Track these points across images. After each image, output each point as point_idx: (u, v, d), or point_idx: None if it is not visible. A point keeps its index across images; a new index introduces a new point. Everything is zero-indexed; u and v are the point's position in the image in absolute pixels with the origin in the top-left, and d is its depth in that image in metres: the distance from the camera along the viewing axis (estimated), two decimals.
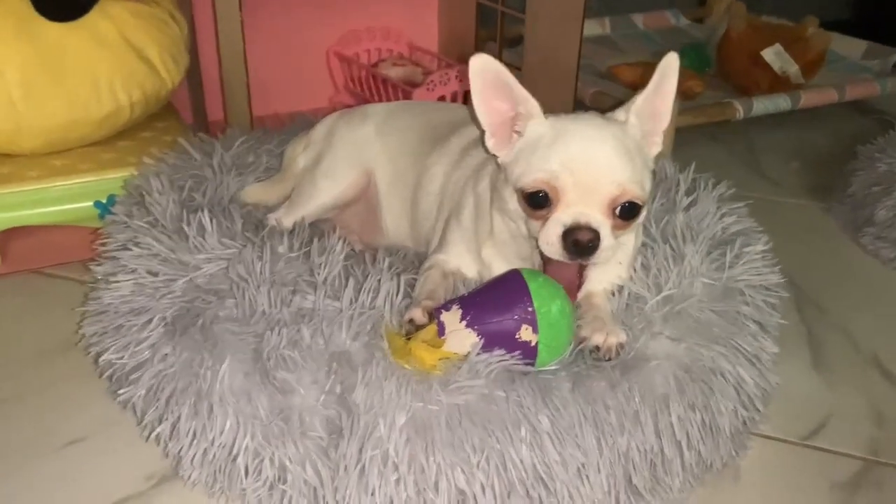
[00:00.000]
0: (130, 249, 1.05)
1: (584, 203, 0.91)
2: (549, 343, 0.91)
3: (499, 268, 1.04)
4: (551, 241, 0.92)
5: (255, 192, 1.30)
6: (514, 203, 0.97)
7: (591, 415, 0.90)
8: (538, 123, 0.96)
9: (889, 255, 1.53)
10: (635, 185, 0.92)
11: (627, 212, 0.93)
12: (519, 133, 0.97)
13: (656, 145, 1.01)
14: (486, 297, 0.93)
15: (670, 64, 0.97)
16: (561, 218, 0.91)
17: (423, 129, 1.28)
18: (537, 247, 0.95)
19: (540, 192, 0.92)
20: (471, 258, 1.08)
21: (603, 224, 0.92)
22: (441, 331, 0.91)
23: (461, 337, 0.91)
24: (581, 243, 0.91)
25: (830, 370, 1.24)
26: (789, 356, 1.24)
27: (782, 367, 1.14)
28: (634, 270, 1.06)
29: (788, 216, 1.74)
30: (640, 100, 0.97)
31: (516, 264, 1.02)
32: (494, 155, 1.00)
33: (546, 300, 0.91)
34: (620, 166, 0.92)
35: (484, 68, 0.95)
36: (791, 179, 1.90)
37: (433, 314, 0.93)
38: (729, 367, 0.98)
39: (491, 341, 0.91)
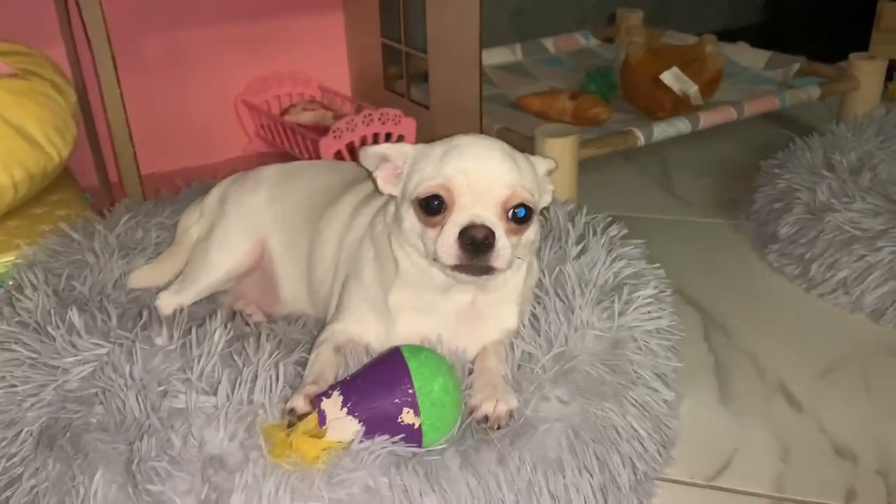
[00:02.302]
0: None
1: (478, 206, 0.94)
2: (434, 423, 0.89)
3: (406, 318, 1.03)
4: (448, 244, 0.93)
5: (143, 277, 1.26)
6: (410, 219, 0.98)
7: (481, 492, 0.88)
8: (417, 147, 1.02)
9: (794, 273, 1.55)
10: (525, 190, 0.96)
11: (519, 215, 0.96)
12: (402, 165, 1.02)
13: (548, 193, 1.06)
14: (366, 381, 0.91)
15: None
16: (457, 220, 0.94)
17: (315, 193, 1.26)
18: (436, 261, 0.95)
19: (434, 197, 0.95)
20: (374, 317, 1.06)
21: (497, 225, 0.94)
22: (322, 420, 0.89)
23: (343, 425, 0.88)
24: (477, 239, 0.92)
25: (737, 401, 1.25)
26: (696, 389, 1.24)
27: (688, 401, 1.15)
28: (524, 326, 1.05)
29: (698, 236, 1.76)
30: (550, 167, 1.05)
31: (426, 305, 1.02)
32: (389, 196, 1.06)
33: (427, 379, 0.89)
34: (510, 170, 0.96)
35: (367, 158, 1.04)
36: (701, 196, 1.93)
37: (314, 402, 0.91)
38: (621, 423, 0.98)
39: (374, 427, 0.88)
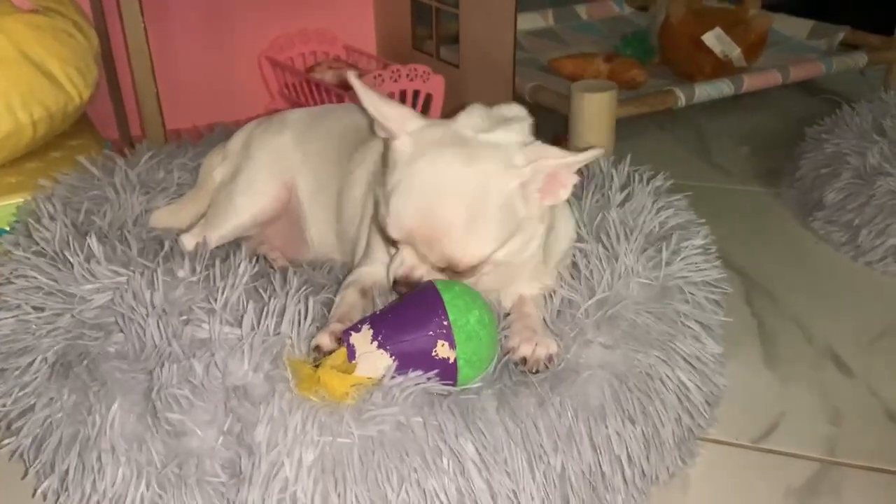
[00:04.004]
0: (13, 283, 0.96)
1: (421, 252, 0.88)
2: (470, 358, 0.84)
3: None
4: (391, 281, 0.91)
5: (165, 217, 1.21)
6: None
7: (519, 436, 0.83)
8: (399, 145, 0.89)
9: (840, 240, 1.48)
10: (462, 252, 0.86)
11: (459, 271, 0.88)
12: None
13: (552, 199, 0.90)
14: (397, 314, 0.85)
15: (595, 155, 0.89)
16: (393, 269, 0.90)
17: (344, 133, 1.20)
18: None
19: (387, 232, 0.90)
20: None
21: (431, 274, 0.88)
22: (351, 354, 0.83)
23: (373, 359, 0.83)
24: (401, 291, 0.90)
25: (783, 365, 1.19)
26: (739, 352, 1.18)
27: (732, 363, 1.09)
28: (562, 277, 0.99)
29: (738, 204, 1.69)
30: (549, 162, 0.87)
31: None
32: None
33: (462, 311, 0.83)
34: (445, 235, 0.85)
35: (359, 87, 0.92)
36: (740, 165, 1.86)
37: (342, 338, 0.85)
38: (668, 373, 0.92)
39: (406, 362, 0.83)
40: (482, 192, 0.85)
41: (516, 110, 0.96)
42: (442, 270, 0.89)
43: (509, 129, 0.91)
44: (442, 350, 0.82)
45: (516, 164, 0.86)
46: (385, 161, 0.93)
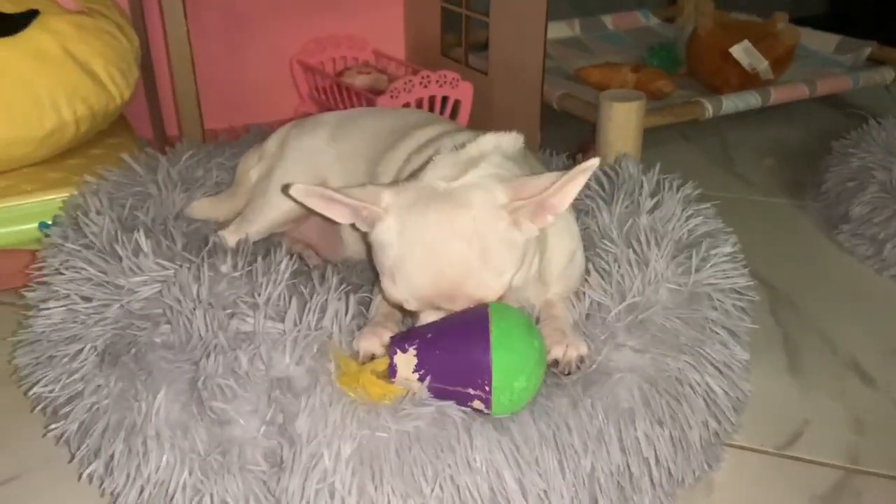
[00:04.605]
0: (63, 274, 0.99)
1: (441, 311, 0.88)
2: (502, 412, 0.85)
3: None
4: None
5: (204, 207, 1.24)
6: None
7: (551, 436, 0.85)
8: (384, 227, 0.87)
9: (866, 253, 1.49)
10: (485, 289, 0.85)
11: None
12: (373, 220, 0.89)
13: (541, 222, 0.88)
14: (445, 354, 0.84)
15: (586, 168, 0.84)
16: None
17: (376, 136, 1.23)
18: None
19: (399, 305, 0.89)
20: None
21: None
22: (392, 372, 0.85)
23: (410, 387, 0.85)
24: None
25: (807, 374, 1.20)
26: (764, 361, 1.20)
27: (757, 372, 1.10)
28: (586, 281, 1.01)
29: (762, 215, 1.70)
30: (525, 202, 0.85)
31: None
32: None
33: (508, 377, 0.82)
34: (464, 280, 0.85)
35: (308, 195, 0.89)
36: (765, 177, 1.87)
37: (389, 348, 0.87)
38: (697, 378, 0.93)
39: (441, 398, 0.85)
40: (478, 232, 0.85)
41: (484, 145, 0.94)
42: None
43: (479, 168, 0.90)
44: (477, 405, 0.84)
45: (499, 204, 0.86)
46: (370, 243, 0.91)
